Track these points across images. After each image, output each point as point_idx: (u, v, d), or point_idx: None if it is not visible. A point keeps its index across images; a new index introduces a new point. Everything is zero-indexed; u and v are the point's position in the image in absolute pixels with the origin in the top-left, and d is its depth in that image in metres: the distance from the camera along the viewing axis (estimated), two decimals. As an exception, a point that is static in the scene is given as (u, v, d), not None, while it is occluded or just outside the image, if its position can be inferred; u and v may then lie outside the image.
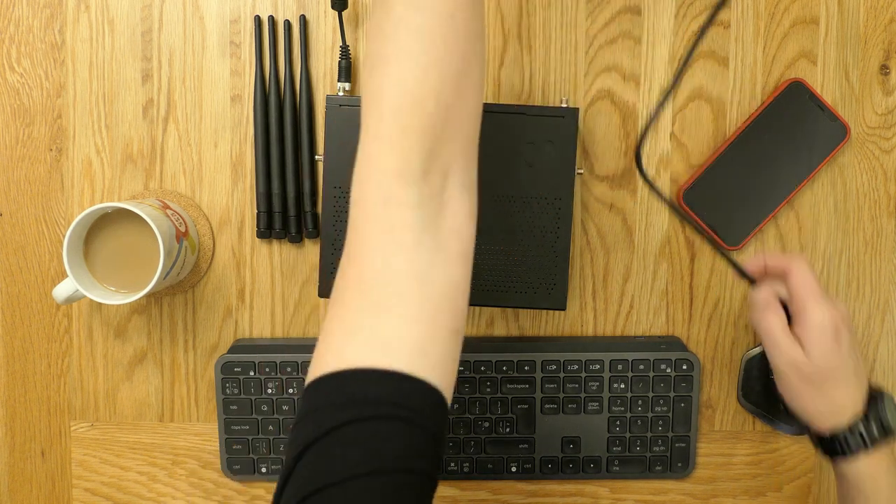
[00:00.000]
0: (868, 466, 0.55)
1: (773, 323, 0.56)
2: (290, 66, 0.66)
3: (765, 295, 0.57)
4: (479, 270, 0.63)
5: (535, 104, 0.67)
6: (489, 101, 0.67)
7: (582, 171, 0.64)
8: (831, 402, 0.55)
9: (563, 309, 0.64)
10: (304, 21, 0.66)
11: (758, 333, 0.58)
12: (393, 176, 0.41)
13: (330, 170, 0.63)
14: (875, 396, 0.56)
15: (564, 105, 0.63)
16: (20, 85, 0.67)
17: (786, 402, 0.57)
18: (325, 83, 0.67)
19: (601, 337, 0.69)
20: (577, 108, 0.63)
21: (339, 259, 0.63)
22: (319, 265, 0.63)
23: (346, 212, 0.63)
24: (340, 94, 0.65)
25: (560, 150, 0.62)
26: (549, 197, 0.63)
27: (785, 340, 0.55)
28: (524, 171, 0.63)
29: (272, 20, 0.66)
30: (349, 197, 0.63)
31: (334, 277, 0.62)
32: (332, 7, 0.63)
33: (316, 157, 0.66)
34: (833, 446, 0.56)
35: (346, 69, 0.65)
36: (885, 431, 0.55)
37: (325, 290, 0.62)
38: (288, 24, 0.66)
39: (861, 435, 0.55)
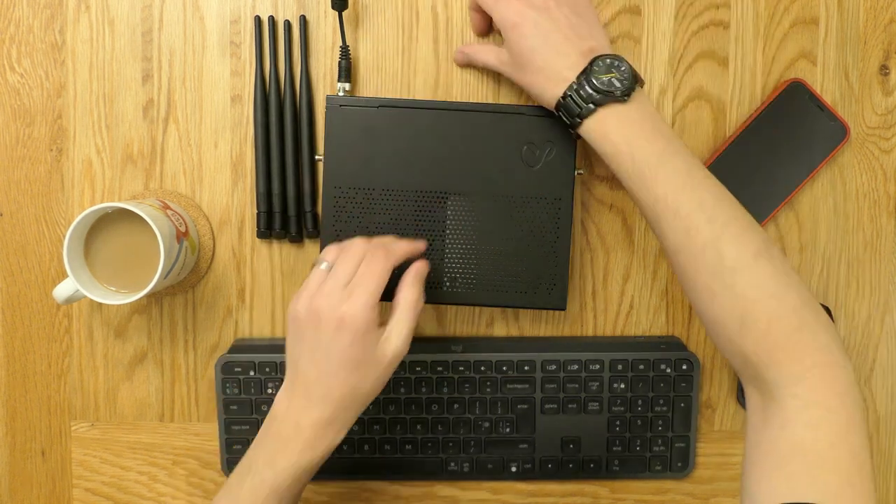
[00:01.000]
0: (593, 126, 0.56)
1: (473, 47, 0.64)
2: (290, 66, 0.66)
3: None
4: (479, 270, 0.63)
5: (536, 104, 0.67)
6: (489, 101, 0.67)
7: (582, 171, 0.65)
8: (546, 80, 0.57)
9: (563, 309, 0.64)
10: (304, 21, 0.66)
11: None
12: None
13: (330, 170, 0.63)
14: (595, 59, 0.56)
15: None
16: (20, 85, 0.67)
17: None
18: (326, 83, 0.67)
19: (601, 337, 0.69)
20: None
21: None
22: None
23: (347, 211, 0.63)
24: (340, 93, 0.65)
25: (560, 151, 0.63)
26: (548, 197, 0.63)
27: (482, 50, 0.63)
28: (524, 171, 0.63)
29: (272, 20, 0.66)
30: (349, 196, 0.63)
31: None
32: (333, 7, 0.63)
33: (316, 157, 0.66)
34: (560, 116, 0.57)
35: (347, 69, 0.65)
36: (597, 91, 0.55)
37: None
38: (288, 25, 0.66)
39: (572, 98, 0.55)
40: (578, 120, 0.56)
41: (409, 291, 0.56)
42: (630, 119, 0.55)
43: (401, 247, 0.57)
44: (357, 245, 0.56)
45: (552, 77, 0.57)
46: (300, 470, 0.54)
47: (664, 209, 0.53)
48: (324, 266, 0.55)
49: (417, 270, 0.57)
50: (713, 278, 0.51)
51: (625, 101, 0.55)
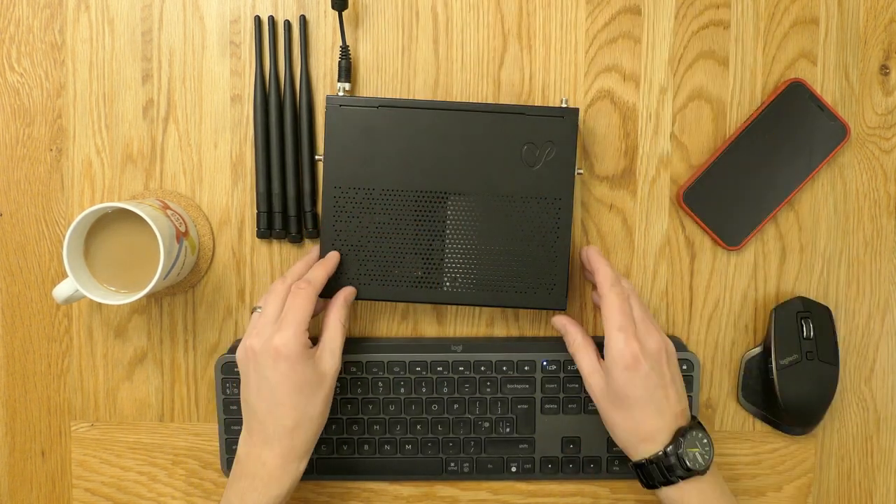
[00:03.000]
0: (673, 496, 0.57)
1: (582, 358, 0.60)
2: (290, 66, 0.66)
3: (572, 332, 0.62)
4: (479, 270, 0.63)
5: (535, 104, 0.67)
6: (489, 101, 0.67)
7: (582, 171, 0.65)
8: (635, 431, 0.57)
9: (564, 308, 0.64)
10: (303, 21, 0.66)
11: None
12: None
13: (330, 170, 0.63)
14: (685, 431, 0.57)
15: (564, 105, 0.63)
16: (20, 85, 0.67)
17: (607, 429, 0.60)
18: (326, 83, 0.67)
19: (601, 337, 0.69)
20: (577, 109, 0.63)
21: (339, 258, 0.64)
22: (319, 265, 0.63)
23: (347, 211, 0.63)
24: (340, 93, 0.65)
25: (560, 151, 0.63)
26: (549, 197, 0.63)
27: (588, 370, 0.60)
28: (524, 171, 0.63)
29: (272, 20, 0.66)
30: (349, 196, 0.63)
31: (334, 277, 0.63)
32: (333, 7, 0.63)
33: (316, 157, 0.66)
34: (640, 476, 0.58)
35: (347, 69, 0.65)
36: (685, 469, 0.56)
37: (328, 291, 0.63)
38: (288, 25, 0.66)
39: (660, 469, 0.56)
40: (658, 485, 0.57)
41: (337, 312, 0.61)
42: (708, 497, 0.57)
43: (317, 274, 0.61)
44: (278, 285, 0.60)
45: (643, 434, 0.57)
46: None
47: None
48: (258, 311, 0.60)
49: (345, 296, 0.62)
50: None
51: (704, 475, 0.56)
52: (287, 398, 0.57)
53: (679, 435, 0.56)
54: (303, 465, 0.58)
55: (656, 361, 0.57)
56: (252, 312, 0.61)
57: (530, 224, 0.63)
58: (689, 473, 0.56)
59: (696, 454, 0.56)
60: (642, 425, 0.57)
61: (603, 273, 0.59)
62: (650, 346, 0.57)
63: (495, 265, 0.63)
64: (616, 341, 0.57)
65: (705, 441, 0.57)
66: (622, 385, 0.57)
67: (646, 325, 0.58)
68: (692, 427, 0.57)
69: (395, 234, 0.63)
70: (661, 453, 0.56)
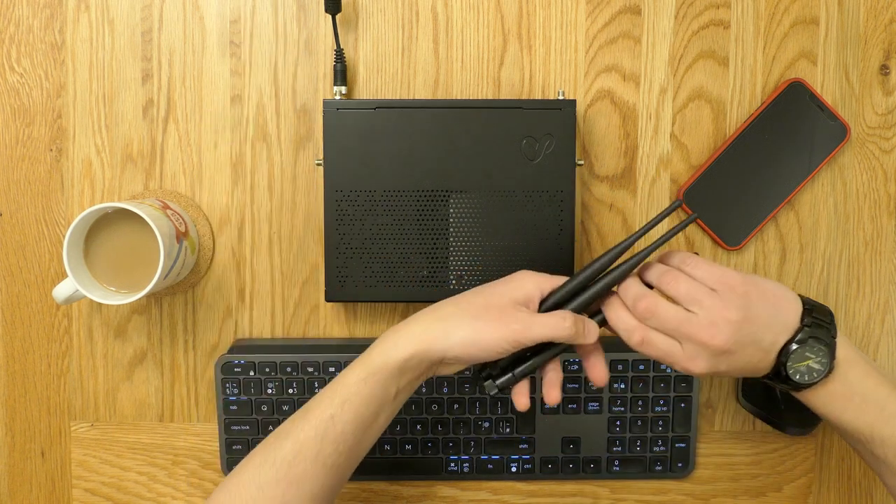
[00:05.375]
0: (814, 399, 0.54)
1: (665, 354, 0.53)
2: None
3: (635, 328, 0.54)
4: (484, 267, 0.64)
5: (533, 98, 0.67)
6: (489, 99, 0.67)
7: (582, 161, 0.65)
8: (746, 368, 0.53)
9: None
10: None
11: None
12: None
13: (330, 174, 0.63)
14: (786, 348, 0.52)
15: (561, 97, 0.63)
16: (20, 85, 0.67)
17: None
18: (326, 84, 0.67)
19: (601, 337, 0.69)
20: (574, 100, 0.63)
21: (344, 261, 0.63)
22: (325, 269, 0.63)
23: (349, 215, 0.63)
24: (337, 97, 0.65)
25: (559, 143, 0.63)
26: (551, 190, 0.63)
27: (680, 361, 0.53)
28: (524, 165, 0.63)
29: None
30: (350, 199, 0.63)
31: (340, 281, 0.63)
32: (326, 10, 0.64)
33: (316, 161, 0.66)
34: (777, 383, 0.55)
35: (342, 72, 0.65)
36: (797, 386, 0.53)
37: (331, 294, 0.63)
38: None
39: (785, 380, 0.53)
40: (793, 390, 0.54)
41: (567, 314, 0.53)
42: (835, 396, 0.54)
43: None
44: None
45: (757, 366, 0.53)
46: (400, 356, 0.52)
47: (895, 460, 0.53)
48: None
49: (589, 329, 0.54)
50: None
51: (826, 379, 0.53)
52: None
53: (780, 357, 0.52)
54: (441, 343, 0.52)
55: (740, 321, 0.51)
56: None
57: (533, 218, 0.63)
58: (807, 386, 0.53)
59: (811, 365, 0.52)
60: (747, 369, 0.53)
61: (631, 287, 0.54)
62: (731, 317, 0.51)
63: (500, 260, 0.63)
64: (691, 332, 0.51)
65: (816, 347, 0.52)
66: (715, 368, 0.52)
67: (694, 300, 0.52)
68: (794, 345, 0.52)
69: (398, 235, 0.63)
70: (770, 376, 0.53)
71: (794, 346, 0.52)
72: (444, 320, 0.52)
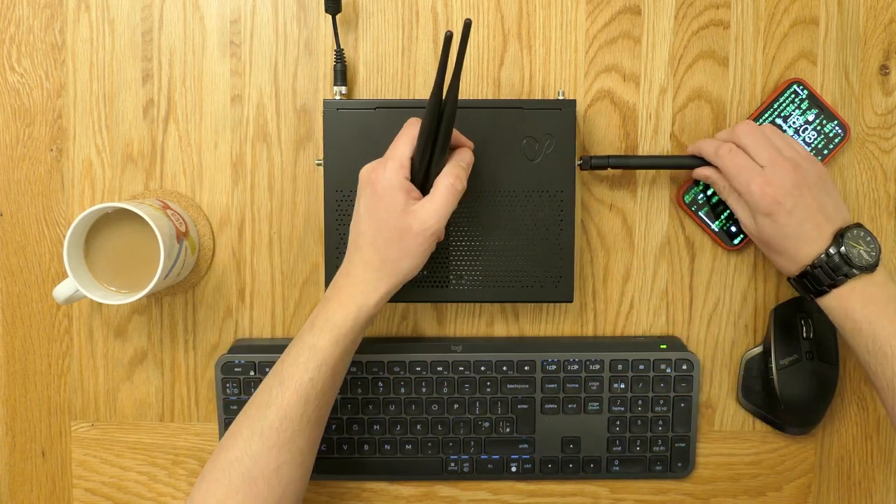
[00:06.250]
0: (838, 300, 0.57)
1: (734, 204, 0.61)
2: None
3: (719, 180, 0.62)
4: (484, 267, 0.64)
5: (533, 98, 0.67)
6: (489, 99, 0.67)
7: (581, 161, 0.65)
8: (793, 261, 0.58)
9: (571, 301, 0.64)
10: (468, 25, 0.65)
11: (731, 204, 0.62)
12: None
13: (330, 174, 0.63)
14: (843, 232, 0.57)
15: (561, 97, 0.63)
16: (20, 85, 0.67)
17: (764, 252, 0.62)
18: (326, 85, 0.67)
19: (601, 337, 0.69)
20: (574, 100, 0.63)
21: (343, 261, 0.63)
22: (325, 269, 0.63)
23: (348, 214, 0.63)
24: (337, 97, 0.65)
25: (559, 143, 0.63)
26: (551, 190, 0.63)
27: (742, 216, 0.60)
28: (525, 165, 0.63)
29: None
30: (351, 199, 0.63)
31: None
32: (326, 11, 0.64)
33: (316, 161, 0.66)
34: (805, 286, 0.58)
35: (342, 72, 0.65)
36: (849, 264, 0.56)
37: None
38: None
39: (822, 269, 0.57)
40: (827, 289, 0.57)
41: (446, 175, 0.56)
42: (874, 298, 0.57)
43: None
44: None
45: (801, 258, 0.58)
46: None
47: None
48: None
49: (459, 157, 0.58)
50: None
51: (872, 273, 0.57)
52: (369, 220, 0.56)
53: (839, 235, 0.57)
54: (381, 291, 0.56)
55: (797, 196, 0.57)
56: None
57: (533, 218, 0.63)
58: (855, 272, 0.56)
59: (862, 252, 0.56)
60: (799, 256, 0.58)
61: (705, 149, 0.62)
62: (785, 183, 0.57)
63: (501, 261, 0.64)
64: (750, 195, 0.58)
65: (869, 238, 0.57)
66: (769, 231, 0.58)
67: (775, 163, 0.58)
68: (853, 226, 0.57)
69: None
70: (822, 256, 0.57)
71: (853, 231, 0.57)
72: (385, 262, 0.56)
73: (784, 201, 0.57)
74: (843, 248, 0.56)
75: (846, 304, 0.57)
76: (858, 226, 0.58)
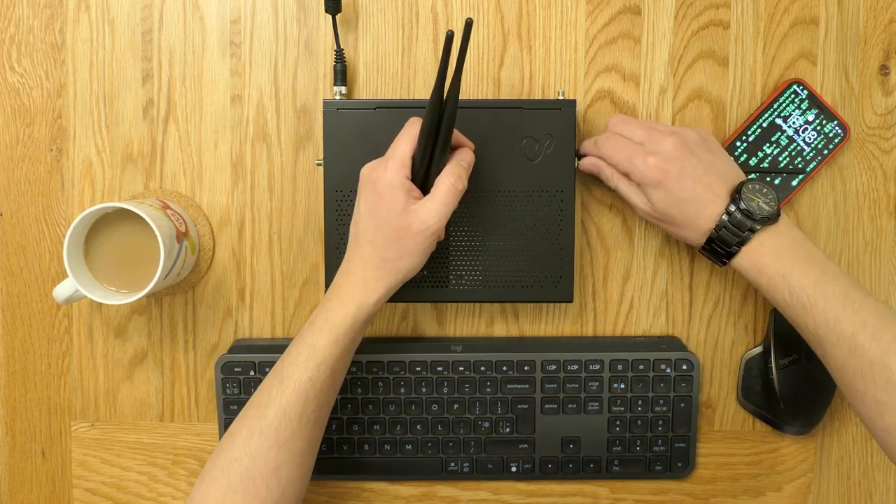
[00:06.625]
0: (749, 258, 0.57)
1: (623, 188, 0.61)
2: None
3: (606, 168, 0.62)
4: (484, 267, 0.64)
5: (533, 98, 0.67)
6: (489, 99, 0.67)
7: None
8: (696, 228, 0.58)
9: (571, 300, 0.64)
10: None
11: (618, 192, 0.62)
12: None
13: (330, 174, 0.63)
14: (739, 188, 0.57)
15: (561, 97, 0.63)
16: (20, 85, 0.67)
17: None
18: (326, 85, 0.67)
19: (601, 337, 0.69)
20: (574, 100, 0.63)
21: (343, 260, 0.64)
22: (325, 269, 0.63)
23: (348, 214, 0.63)
24: (337, 97, 0.65)
25: (559, 143, 0.63)
26: (551, 190, 0.63)
27: (632, 196, 0.61)
28: (525, 165, 0.63)
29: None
30: (350, 200, 0.63)
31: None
32: (326, 11, 0.64)
33: (316, 161, 0.66)
34: (715, 251, 0.58)
35: (342, 72, 0.65)
36: (752, 218, 0.56)
37: None
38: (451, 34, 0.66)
39: (726, 229, 0.57)
40: (737, 248, 0.57)
41: (447, 175, 0.56)
42: (784, 248, 0.57)
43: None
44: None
45: (702, 223, 0.58)
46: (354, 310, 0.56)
47: (826, 332, 0.54)
48: None
49: (460, 157, 0.58)
50: (883, 392, 0.52)
51: (776, 223, 0.57)
52: (370, 218, 0.56)
53: (735, 192, 0.57)
54: (382, 288, 0.56)
55: (682, 159, 0.58)
56: None
57: (533, 218, 0.63)
58: (757, 224, 0.56)
59: (761, 203, 0.56)
60: (698, 220, 0.58)
61: (586, 145, 0.63)
62: (666, 150, 0.58)
63: (500, 261, 0.64)
64: (635, 169, 0.58)
65: (766, 190, 0.57)
66: (664, 203, 0.58)
67: (653, 135, 0.59)
68: (746, 181, 0.58)
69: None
70: (723, 216, 0.57)
71: (748, 185, 0.57)
72: (385, 261, 0.56)
73: (670, 168, 0.57)
74: (742, 204, 0.56)
75: (757, 259, 0.57)
76: (752, 179, 0.58)
